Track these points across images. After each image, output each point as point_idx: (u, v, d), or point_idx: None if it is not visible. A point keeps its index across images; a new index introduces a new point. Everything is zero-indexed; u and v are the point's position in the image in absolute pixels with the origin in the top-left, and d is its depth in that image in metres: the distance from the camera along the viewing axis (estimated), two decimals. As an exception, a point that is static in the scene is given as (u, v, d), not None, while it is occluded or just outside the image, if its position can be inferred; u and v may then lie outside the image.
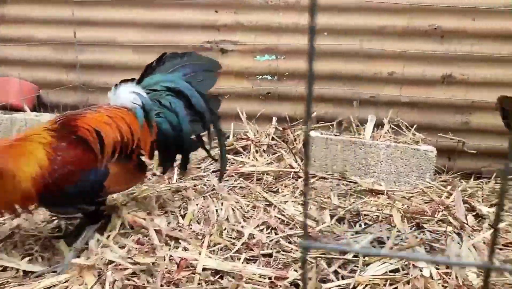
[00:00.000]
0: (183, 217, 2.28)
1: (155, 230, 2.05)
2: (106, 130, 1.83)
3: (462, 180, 3.35)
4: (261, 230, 2.19)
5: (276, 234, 2.16)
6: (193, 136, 2.19)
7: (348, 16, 3.53)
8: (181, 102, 2.10)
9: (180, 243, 2.00)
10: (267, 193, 2.69)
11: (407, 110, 3.54)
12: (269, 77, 3.69)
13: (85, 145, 1.77)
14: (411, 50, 3.45)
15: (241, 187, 2.79)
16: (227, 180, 2.89)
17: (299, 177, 3.01)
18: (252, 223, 2.22)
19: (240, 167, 3.08)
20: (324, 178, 3.11)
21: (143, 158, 2.08)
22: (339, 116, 3.59)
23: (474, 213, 2.49)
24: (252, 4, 3.61)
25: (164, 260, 1.84)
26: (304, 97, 3.66)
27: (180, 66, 2.20)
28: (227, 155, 2.97)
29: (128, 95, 2.00)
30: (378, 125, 3.49)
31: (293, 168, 3.12)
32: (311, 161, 3.29)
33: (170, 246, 1.98)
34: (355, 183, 3.02)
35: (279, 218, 2.30)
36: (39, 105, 3.86)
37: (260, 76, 3.70)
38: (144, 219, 2.13)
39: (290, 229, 2.21)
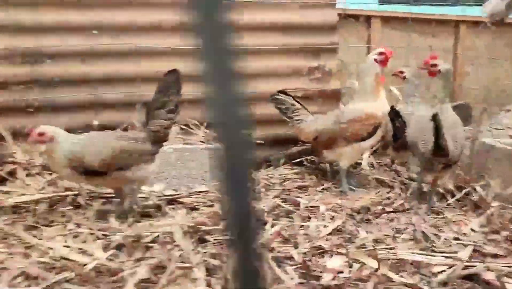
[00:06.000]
0: None
1: None
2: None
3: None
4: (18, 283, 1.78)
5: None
6: None
7: (120, 12, 3.24)
8: None
9: None
10: (35, 229, 2.25)
11: (194, 108, 3.40)
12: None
13: None
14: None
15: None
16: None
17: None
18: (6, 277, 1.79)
19: (2, 200, 2.54)
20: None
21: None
22: (125, 123, 3.27)
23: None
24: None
25: None
26: (82, 104, 3.23)
27: None
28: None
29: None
30: (167, 127, 3.29)
31: (71, 190, 2.71)
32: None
33: None
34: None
35: (43, 262, 1.91)
36: None
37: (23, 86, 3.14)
38: None
39: (57, 274, 1.84)
